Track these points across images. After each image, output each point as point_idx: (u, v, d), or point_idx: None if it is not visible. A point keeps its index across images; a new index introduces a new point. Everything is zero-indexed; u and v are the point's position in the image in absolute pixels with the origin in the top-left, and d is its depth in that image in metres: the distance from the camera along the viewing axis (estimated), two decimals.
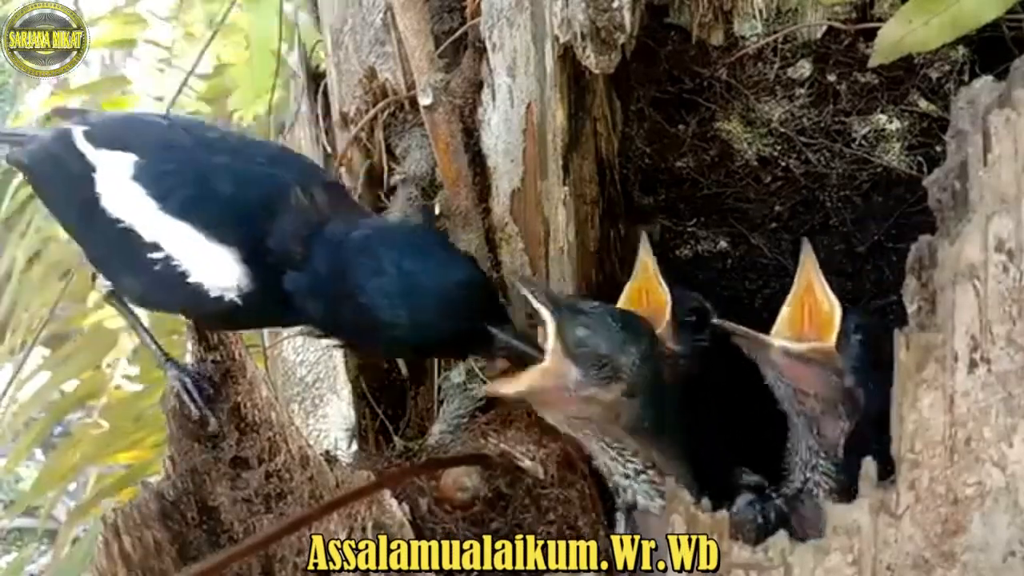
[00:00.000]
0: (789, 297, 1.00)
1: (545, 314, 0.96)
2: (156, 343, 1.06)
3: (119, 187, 0.96)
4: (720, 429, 1.09)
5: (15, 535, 3.36)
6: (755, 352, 0.99)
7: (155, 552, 0.96)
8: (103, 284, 1.06)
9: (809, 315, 0.99)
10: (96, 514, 2.32)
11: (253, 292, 0.92)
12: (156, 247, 0.93)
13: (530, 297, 0.97)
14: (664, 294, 1.09)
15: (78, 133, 1.02)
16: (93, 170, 0.98)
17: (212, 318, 0.98)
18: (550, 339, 0.95)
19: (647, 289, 1.10)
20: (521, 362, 0.95)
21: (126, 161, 0.97)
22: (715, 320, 1.01)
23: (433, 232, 1.08)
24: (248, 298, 0.92)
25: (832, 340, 0.96)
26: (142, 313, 1.10)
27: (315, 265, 0.91)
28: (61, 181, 1.02)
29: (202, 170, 0.96)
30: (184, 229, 0.92)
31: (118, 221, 0.95)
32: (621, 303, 1.10)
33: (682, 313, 1.10)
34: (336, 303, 0.90)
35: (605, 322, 0.96)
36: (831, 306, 0.98)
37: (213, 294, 0.92)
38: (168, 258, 0.92)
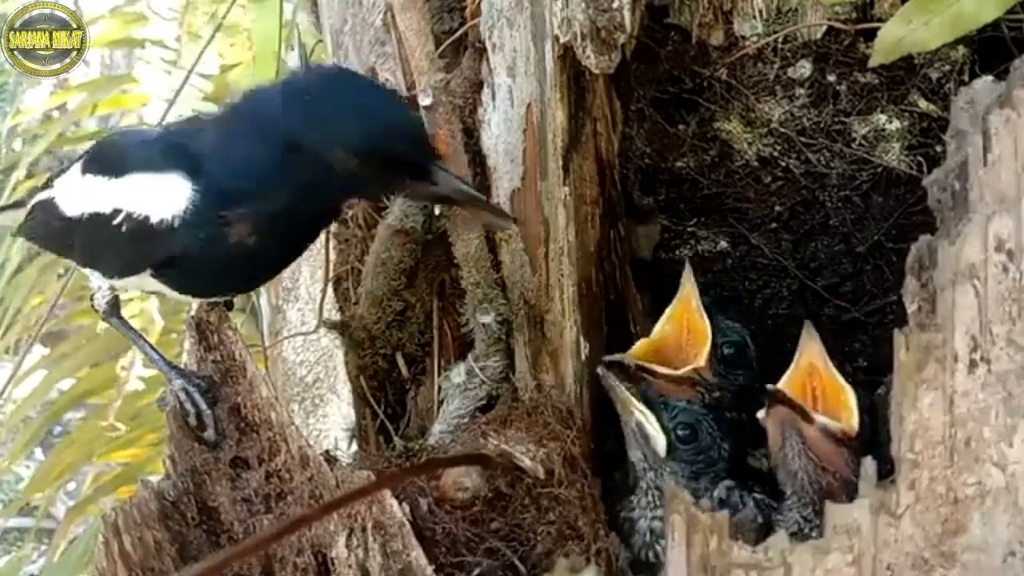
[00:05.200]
0: (788, 373, 1.02)
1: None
2: (158, 352, 1.07)
3: (72, 189, 1.03)
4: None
5: (15, 535, 3.36)
6: (791, 424, 0.99)
7: (155, 552, 0.96)
8: (100, 303, 1.08)
9: (814, 395, 1.02)
10: (93, 513, 2.32)
11: (201, 210, 0.92)
12: (117, 212, 0.96)
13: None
14: (705, 325, 1.11)
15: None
16: (53, 198, 1.05)
17: (192, 264, 0.97)
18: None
19: (688, 318, 1.12)
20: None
21: (75, 168, 1.05)
22: (769, 387, 1.01)
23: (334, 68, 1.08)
24: (196, 215, 0.92)
25: (855, 423, 0.98)
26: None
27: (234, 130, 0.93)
28: (42, 225, 1.11)
29: (142, 141, 1.03)
30: (134, 180, 0.96)
31: (80, 216, 1.01)
32: (659, 328, 1.13)
33: (721, 346, 1.12)
34: (273, 149, 0.90)
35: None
36: (844, 390, 1.00)
37: (177, 224, 0.93)
38: (130, 214, 0.95)
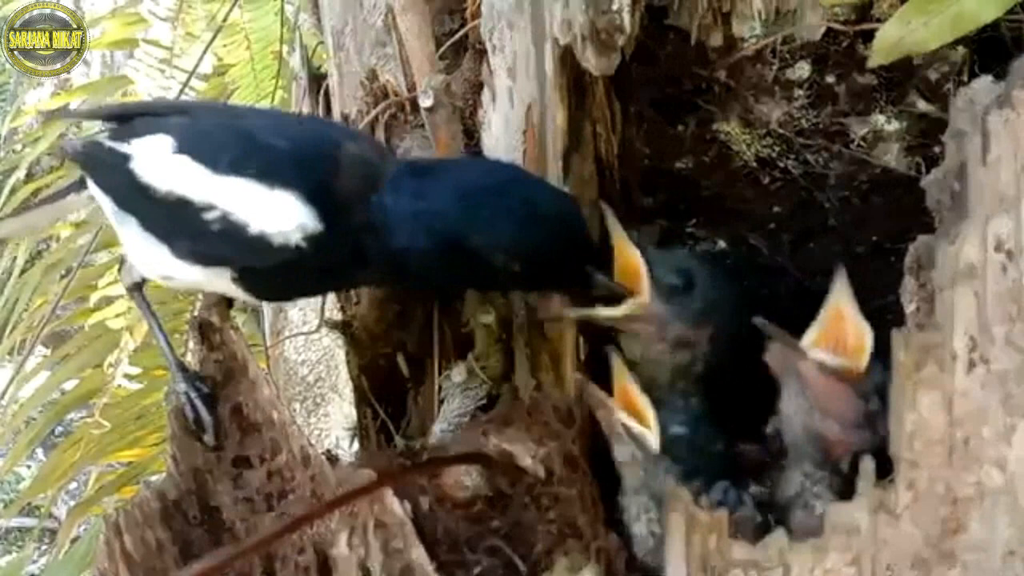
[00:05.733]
0: (818, 320, 0.96)
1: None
2: (170, 346, 1.07)
3: (162, 164, 0.98)
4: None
5: (16, 535, 3.37)
6: (785, 361, 0.95)
7: (156, 551, 0.96)
8: (129, 277, 1.08)
9: (837, 342, 0.96)
10: (96, 512, 2.33)
11: (321, 235, 0.92)
12: (210, 207, 0.94)
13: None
14: (634, 257, 1.04)
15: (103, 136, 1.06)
16: (127, 158, 1.00)
17: (274, 275, 0.97)
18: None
19: (621, 259, 1.06)
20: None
21: (163, 142, 1.00)
22: (756, 320, 0.95)
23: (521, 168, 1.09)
24: (315, 241, 0.92)
25: (863, 364, 0.92)
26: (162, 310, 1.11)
27: (406, 202, 0.93)
28: (102, 170, 1.06)
29: (246, 132, 0.99)
30: (238, 183, 0.94)
31: (168, 195, 0.97)
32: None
33: (662, 276, 1.05)
34: (437, 241, 0.92)
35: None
36: (862, 330, 0.93)
37: (276, 241, 0.92)
38: (225, 214, 0.94)
